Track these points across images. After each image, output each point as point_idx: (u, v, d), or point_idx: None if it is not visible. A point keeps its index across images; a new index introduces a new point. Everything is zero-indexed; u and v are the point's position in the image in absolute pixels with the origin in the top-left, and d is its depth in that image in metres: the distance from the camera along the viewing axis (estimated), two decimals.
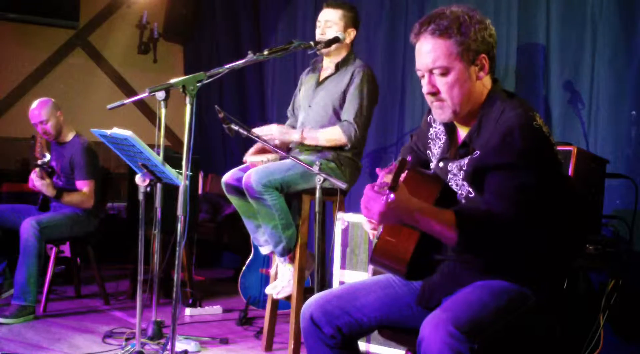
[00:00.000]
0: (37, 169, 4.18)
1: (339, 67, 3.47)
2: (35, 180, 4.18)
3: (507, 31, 3.73)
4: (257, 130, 3.35)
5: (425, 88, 1.90)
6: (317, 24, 3.48)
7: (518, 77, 3.68)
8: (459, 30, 1.83)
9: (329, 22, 3.43)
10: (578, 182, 2.67)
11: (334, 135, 3.35)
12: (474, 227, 1.77)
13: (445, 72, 1.85)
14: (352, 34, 3.46)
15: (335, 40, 3.34)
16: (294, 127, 3.64)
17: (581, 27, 3.37)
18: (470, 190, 1.91)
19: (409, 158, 1.76)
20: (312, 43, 3.27)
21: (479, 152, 1.86)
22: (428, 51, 1.86)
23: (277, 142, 3.40)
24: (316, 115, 3.47)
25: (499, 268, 1.86)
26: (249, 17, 6.17)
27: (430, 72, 1.88)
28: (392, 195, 1.69)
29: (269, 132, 3.38)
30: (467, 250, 1.84)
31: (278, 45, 2.96)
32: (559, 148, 2.74)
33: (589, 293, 2.94)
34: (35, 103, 4.36)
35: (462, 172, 1.91)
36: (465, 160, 1.90)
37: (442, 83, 1.87)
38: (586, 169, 2.75)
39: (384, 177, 1.80)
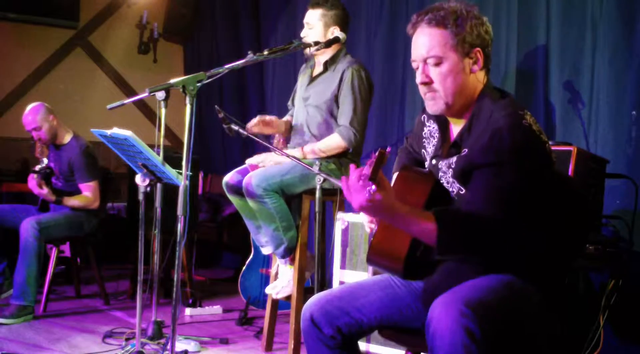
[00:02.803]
0: (35, 176, 4.17)
1: (327, 65, 3.45)
2: (35, 189, 4.18)
3: (507, 31, 3.73)
4: (253, 159, 3.36)
5: (418, 78, 1.91)
6: (304, 24, 3.48)
7: (518, 77, 3.67)
8: (455, 21, 1.85)
9: (309, 24, 3.43)
10: (578, 182, 2.67)
11: (334, 143, 3.33)
12: (453, 227, 1.77)
13: (439, 62, 1.87)
14: (335, 32, 3.39)
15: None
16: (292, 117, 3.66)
17: (581, 27, 3.37)
18: (460, 187, 1.92)
19: (388, 149, 1.76)
20: (312, 43, 3.28)
21: (466, 150, 1.87)
22: (423, 40, 1.88)
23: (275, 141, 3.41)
24: (310, 116, 3.46)
25: (500, 266, 1.86)
26: (249, 17, 6.17)
27: (425, 61, 1.89)
28: (373, 187, 1.68)
29: (265, 157, 3.37)
30: (448, 251, 1.82)
31: (278, 45, 2.96)
32: (559, 148, 2.75)
33: (589, 293, 2.94)
34: (27, 110, 4.34)
35: (450, 169, 1.92)
36: (454, 159, 1.91)
37: (435, 73, 1.88)
38: (586, 169, 2.75)
39: (367, 168, 1.80)
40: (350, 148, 3.35)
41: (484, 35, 1.89)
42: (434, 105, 1.92)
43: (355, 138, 3.32)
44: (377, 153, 1.70)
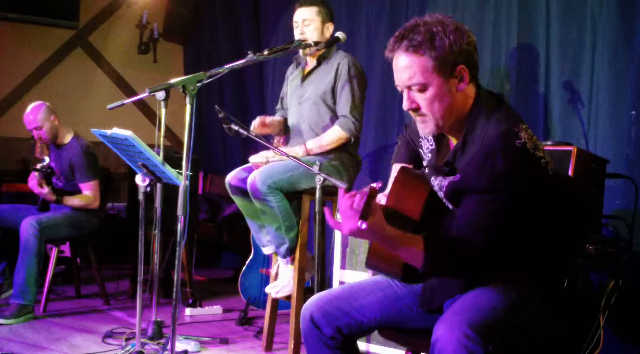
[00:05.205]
0: (36, 174, 4.18)
1: (321, 60, 3.48)
2: (35, 188, 4.18)
3: (507, 31, 3.73)
4: (256, 157, 3.35)
5: (405, 105, 1.86)
6: (294, 24, 3.48)
7: (518, 77, 3.67)
8: (432, 44, 1.77)
9: (307, 21, 3.45)
10: (578, 182, 2.67)
11: (335, 136, 3.35)
12: (441, 257, 1.78)
13: (423, 88, 1.81)
14: (330, 27, 3.48)
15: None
16: (285, 118, 3.66)
17: (581, 27, 3.37)
18: (452, 206, 1.92)
19: (379, 184, 1.74)
20: (312, 43, 3.28)
21: (459, 176, 1.84)
22: (404, 68, 1.81)
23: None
24: (308, 113, 3.47)
25: (497, 272, 1.86)
26: (249, 17, 6.17)
27: (409, 88, 1.84)
28: (364, 225, 1.67)
29: (268, 154, 3.38)
30: (433, 274, 1.86)
31: (278, 45, 2.96)
32: (559, 148, 2.75)
33: (589, 293, 2.94)
34: (28, 109, 4.35)
35: (441, 191, 1.91)
36: (445, 182, 1.89)
37: (421, 99, 1.83)
38: (586, 169, 2.75)
39: (358, 200, 1.78)
40: (352, 138, 3.37)
41: (466, 48, 1.81)
42: (425, 127, 1.88)
43: (355, 126, 3.35)
44: (367, 190, 1.69)
